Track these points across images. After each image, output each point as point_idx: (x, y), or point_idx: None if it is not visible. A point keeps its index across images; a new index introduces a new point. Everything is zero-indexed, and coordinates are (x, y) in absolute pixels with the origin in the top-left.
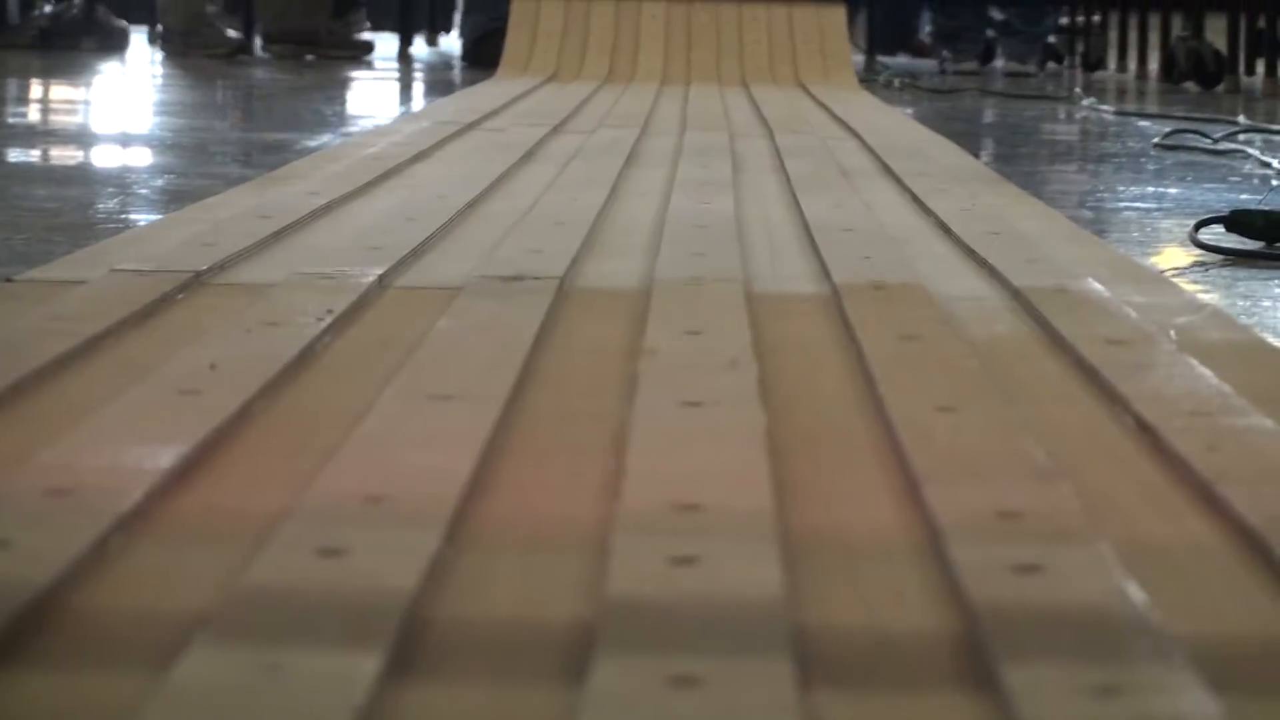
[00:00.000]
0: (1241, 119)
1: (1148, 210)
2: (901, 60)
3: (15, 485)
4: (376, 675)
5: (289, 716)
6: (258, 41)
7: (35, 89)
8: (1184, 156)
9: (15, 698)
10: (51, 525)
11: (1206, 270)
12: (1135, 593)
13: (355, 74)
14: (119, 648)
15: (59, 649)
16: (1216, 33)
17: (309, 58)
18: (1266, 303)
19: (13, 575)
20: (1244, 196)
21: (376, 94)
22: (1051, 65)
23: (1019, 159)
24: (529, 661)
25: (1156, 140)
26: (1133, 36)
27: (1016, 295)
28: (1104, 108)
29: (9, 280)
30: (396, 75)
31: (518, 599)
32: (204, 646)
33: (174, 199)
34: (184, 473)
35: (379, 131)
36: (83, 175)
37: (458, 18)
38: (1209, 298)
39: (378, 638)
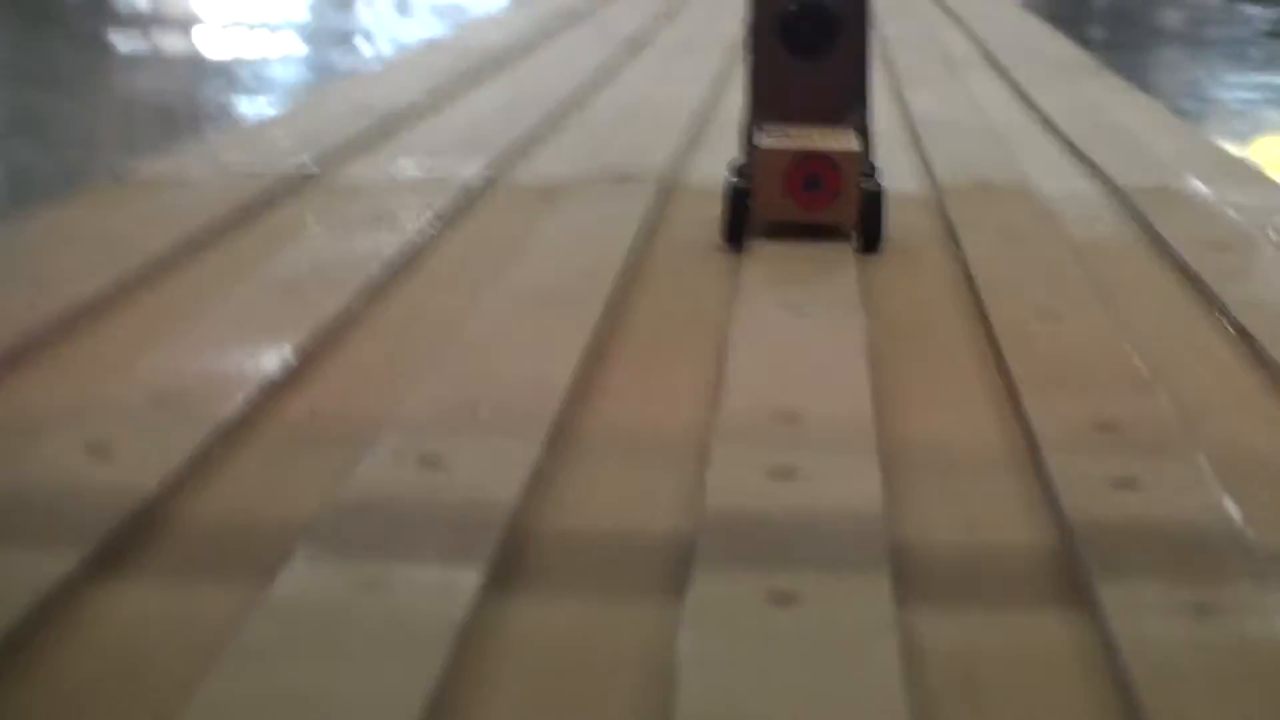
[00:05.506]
0: None
1: (1253, 101)
2: None
3: (119, 389)
4: (478, 589)
5: (390, 631)
6: None
7: None
8: None
9: (118, 608)
10: (155, 432)
11: None
12: (1233, 509)
13: None
14: (221, 558)
15: (162, 559)
16: None
17: None
18: None
19: (117, 483)
20: None
21: None
22: None
23: (1122, 46)
24: (629, 574)
25: (1264, 27)
26: None
27: (1118, 194)
28: None
29: (116, 176)
30: None
31: (618, 510)
32: (305, 560)
33: (280, 90)
34: (287, 377)
35: (488, 22)
36: (192, 64)
37: None
38: None
39: (479, 550)
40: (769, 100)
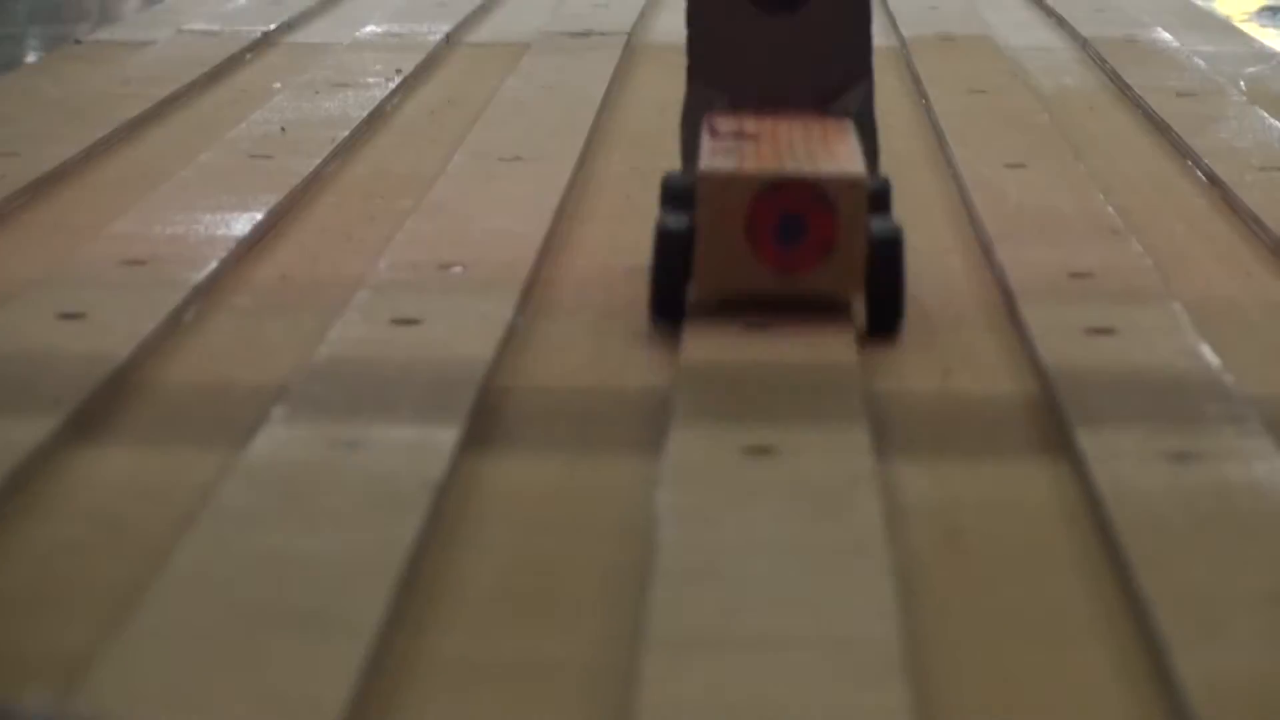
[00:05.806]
0: None
1: None
2: None
3: (90, 256)
4: (455, 447)
5: (367, 490)
6: None
7: None
8: None
9: (95, 473)
10: (128, 296)
11: (1276, 15)
12: (1209, 356)
13: None
14: (197, 422)
15: (137, 424)
16: None
17: None
18: None
19: (90, 349)
20: None
21: None
22: None
23: None
24: (606, 430)
25: None
26: None
27: (1085, 46)
28: None
29: (76, 42)
30: None
31: (593, 367)
32: (281, 421)
33: None
34: (257, 241)
35: None
36: None
37: None
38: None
39: (456, 409)
40: (720, 75)
